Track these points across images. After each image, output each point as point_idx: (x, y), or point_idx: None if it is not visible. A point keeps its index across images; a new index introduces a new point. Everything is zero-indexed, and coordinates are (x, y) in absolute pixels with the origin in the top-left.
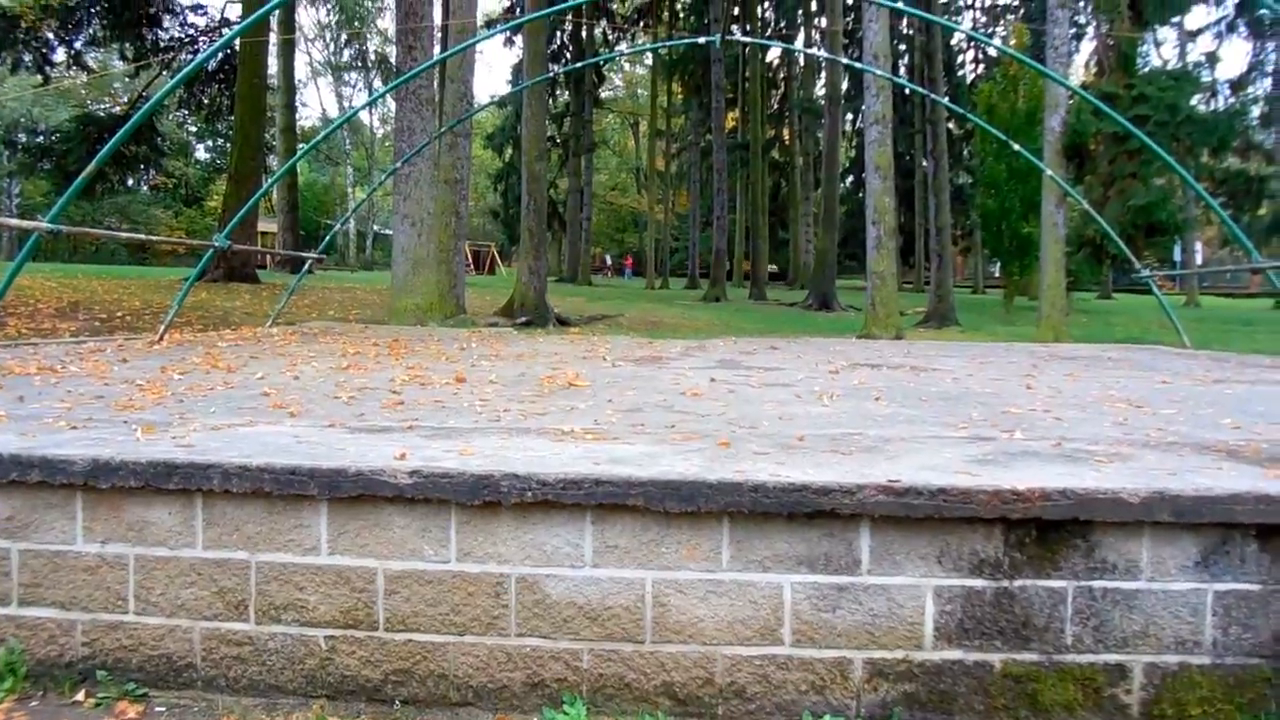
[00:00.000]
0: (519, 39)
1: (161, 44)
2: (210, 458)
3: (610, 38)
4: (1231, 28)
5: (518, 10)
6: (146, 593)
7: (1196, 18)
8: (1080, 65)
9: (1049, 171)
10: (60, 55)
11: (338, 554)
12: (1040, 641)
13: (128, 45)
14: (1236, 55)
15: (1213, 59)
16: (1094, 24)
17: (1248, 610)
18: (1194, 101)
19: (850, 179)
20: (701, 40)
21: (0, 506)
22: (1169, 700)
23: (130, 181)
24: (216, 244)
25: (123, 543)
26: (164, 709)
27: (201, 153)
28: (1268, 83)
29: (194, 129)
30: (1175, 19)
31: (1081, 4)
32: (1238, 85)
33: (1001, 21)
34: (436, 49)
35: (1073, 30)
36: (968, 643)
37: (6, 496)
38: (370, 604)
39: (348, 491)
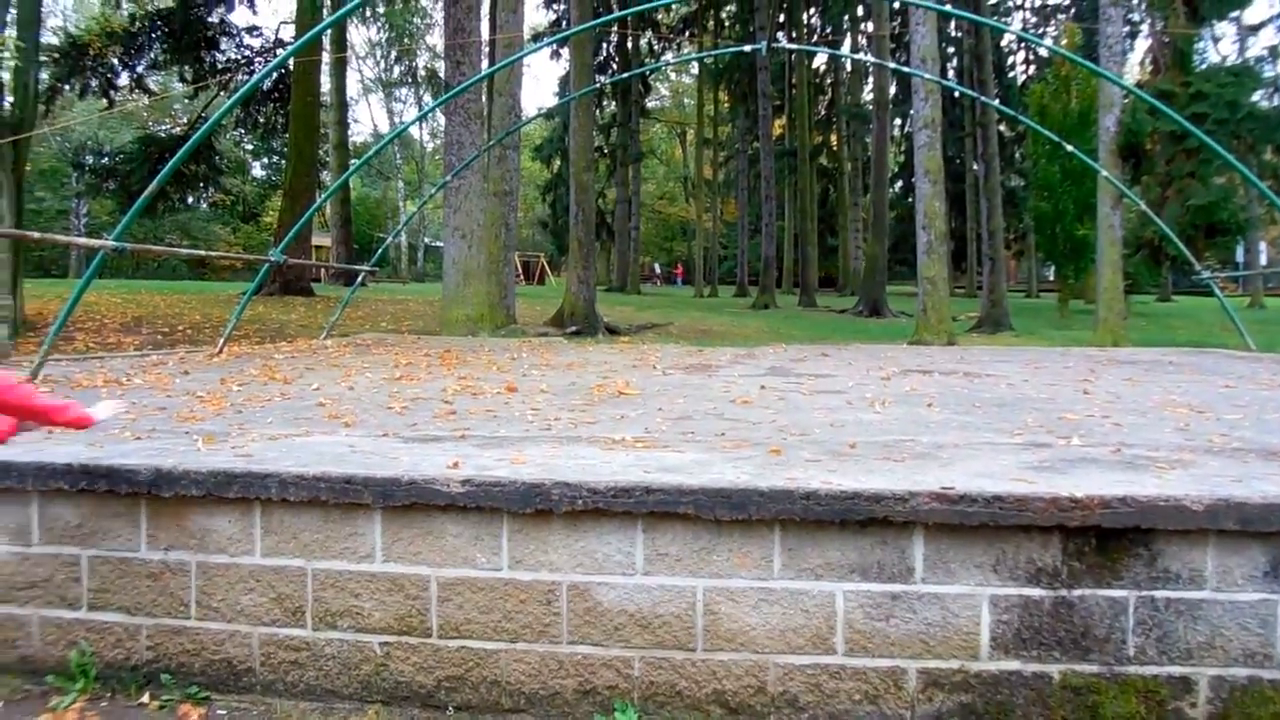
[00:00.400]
0: (566, 51)
1: (219, 66)
2: (268, 467)
3: (656, 48)
4: None
5: (564, 23)
6: (207, 599)
7: (1257, 11)
8: (1134, 63)
9: (1104, 172)
10: (123, 79)
11: (392, 561)
12: (1101, 652)
13: (187, 68)
14: None
15: (1275, 53)
16: (1148, 21)
17: None
18: (1255, 98)
19: (899, 184)
20: (747, 48)
21: (71, 514)
22: (1238, 714)
23: (190, 199)
24: (272, 258)
25: (185, 550)
26: (224, 712)
27: (258, 170)
28: None
29: (250, 147)
30: (1233, 14)
31: (1135, 1)
32: None
33: (1052, 21)
34: (484, 63)
35: (1126, 28)
36: (1025, 653)
37: (76, 505)
38: (424, 611)
39: (401, 500)
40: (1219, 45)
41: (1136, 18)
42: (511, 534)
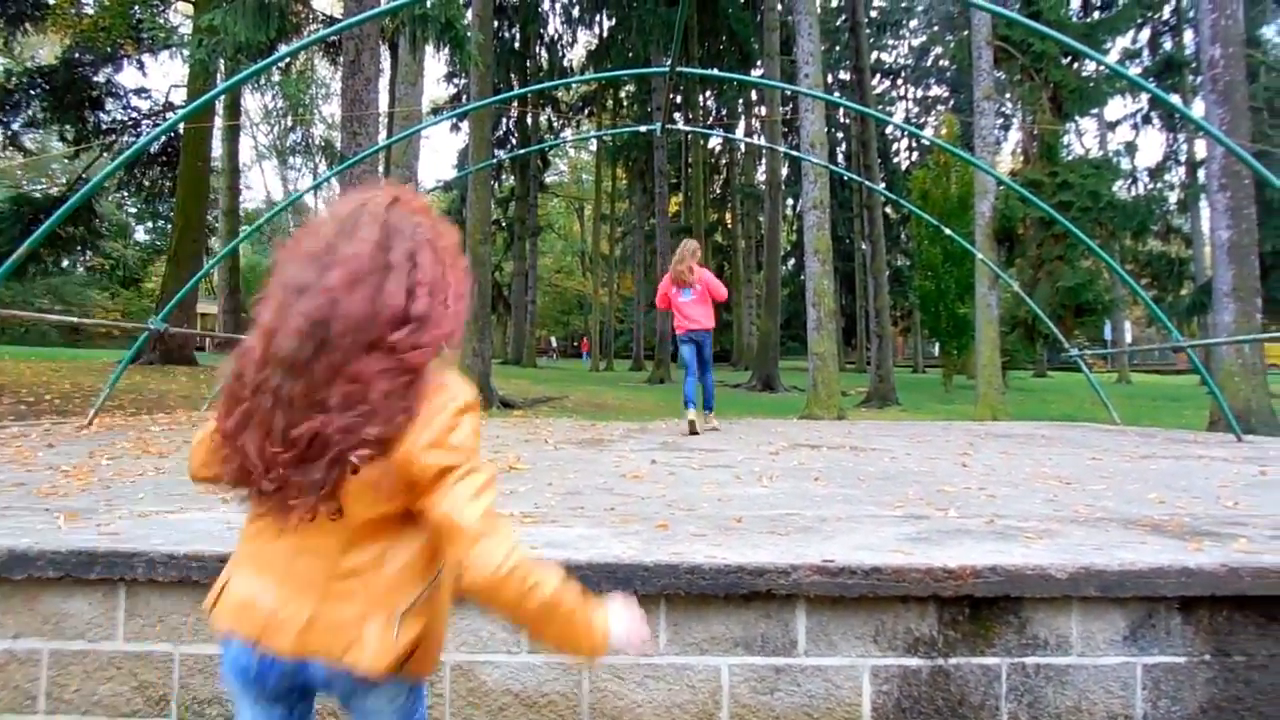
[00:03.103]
0: (465, 125)
1: (103, 126)
2: (135, 546)
3: (555, 124)
4: (1147, 119)
5: (464, 98)
6: (60, 690)
7: (1114, 110)
8: (1008, 153)
9: (980, 255)
10: None
11: None
12: None
13: (68, 127)
14: (1153, 144)
15: (1131, 148)
16: (1019, 115)
17: (1175, 683)
18: (1115, 188)
19: (791, 262)
20: (644, 129)
21: None
22: None
23: (65, 263)
24: (152, 326)
25: (36, 637)
26: None
27: (141, 234)
28: (1182, 170)
29: (134, 210)
30: (1094, 111)
31: (1007, 96)
32: (1155, 172)
33: (933, 112)
34: (382, 134)
35: (999, 120)
36: None
37: None
38: None
39: None
40: (1083, 139)
41: (1009, 111)
42: None
